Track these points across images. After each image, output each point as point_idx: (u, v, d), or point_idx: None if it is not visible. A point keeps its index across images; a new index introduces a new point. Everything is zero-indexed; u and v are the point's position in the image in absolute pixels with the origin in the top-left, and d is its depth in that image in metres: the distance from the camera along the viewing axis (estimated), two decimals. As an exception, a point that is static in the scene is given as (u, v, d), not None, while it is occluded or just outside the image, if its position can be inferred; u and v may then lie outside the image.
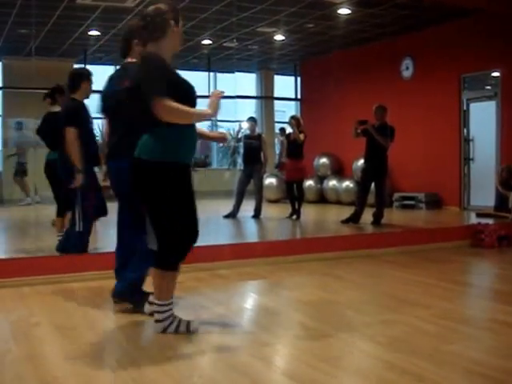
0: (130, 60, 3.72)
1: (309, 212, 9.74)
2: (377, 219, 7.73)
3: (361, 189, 8.20)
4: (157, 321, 3.10)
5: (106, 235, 6.17)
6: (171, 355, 2.79)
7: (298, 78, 14.41)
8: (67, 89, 5.09)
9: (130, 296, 3.61)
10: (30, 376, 2.53)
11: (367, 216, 7.81)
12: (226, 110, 13.92)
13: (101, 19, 9.63)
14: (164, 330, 3.08)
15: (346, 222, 7.80)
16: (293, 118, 8.97)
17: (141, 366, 2.64)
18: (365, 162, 8.05)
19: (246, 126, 9.18)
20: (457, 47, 9.94)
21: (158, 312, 3.09)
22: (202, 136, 3.56)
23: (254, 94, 14.48)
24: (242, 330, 3.31)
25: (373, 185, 7.96)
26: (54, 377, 2.51)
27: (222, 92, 3.20)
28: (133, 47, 3.66)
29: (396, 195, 10.86)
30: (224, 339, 3.11)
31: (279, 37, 11.36)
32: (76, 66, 12.69)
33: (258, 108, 14.48)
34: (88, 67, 12.25)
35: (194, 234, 3.15)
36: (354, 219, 7.77)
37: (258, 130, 9.26)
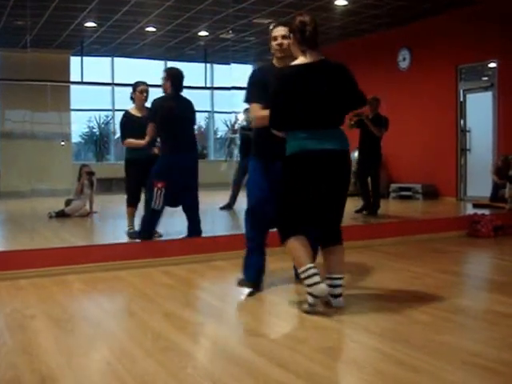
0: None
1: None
2: (373, 209, 7.79)
3: (361, 183, 8.28)
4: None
5: (103, 229, 6.16)
6: (165, 346, 2.79)
7: (295, 70, 14.37)
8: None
9: None
10: (25, 368, 2.52)
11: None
12: (223, 101, 13.91)
13: (97, 10, 9.59)
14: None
15: (359, 211, 7.93)
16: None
17: (135, 358, 2.64)
18: (359, 154, 8.12)
19: (242, 117, 9.16)
20: (453, 38, 9.92)
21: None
22: None
23: (250, 85, 14.43)
24: (237, 320, 3.31)
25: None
26: (49, 368, 2.51)
27: None
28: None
29: (393, 186, 10.87)
30: (219, 330, 3.12)
31: (276, 28, 11.31)
32: (72, 57, 12.67)
33: (255, 100, 14.43)
34: (85, 59, 12.27)
35: None
36: (367, 209, 7.85)
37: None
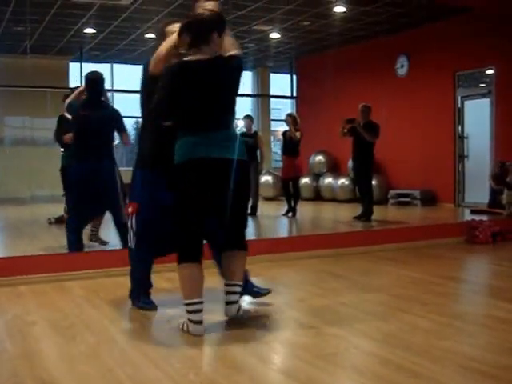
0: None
1: (305, 209, 9.76)
2: (367, 215, 7.87)
3: (360, 190, 8.36)
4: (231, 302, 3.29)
5: (102, 235, 6.16)
6: (167, 353, 2.80)
7: (294, 76, 14.42)
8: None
9: None
10: (26, 375, 2.53)
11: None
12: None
13: (97, 17, 9.62)
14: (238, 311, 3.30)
15: (358, 217, 7.93)
16: (289, 115, 9.01)
17: (136, 364, 2.66)
18: (353, 161, 8.22)
19: (242, 123, 9.19)
20: (451, 45, 9.98)
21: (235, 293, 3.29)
22: None
23: (249, 91, 14.49)
24: (238, 327, 3.32)
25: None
26: (51, 375, 2.52)
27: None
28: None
29: (391, 192, 10.91)
30: (219, 336, 3.13)
31: (275, 35, 11.37)
32: (72, 64, 12.71)
33: (254, 106, 14.50)
34: (84, 65, 12.29)
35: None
36: (366, 215, 7.88)
37: (254, 128, 9.27)
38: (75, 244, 5.12)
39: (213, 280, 4.65)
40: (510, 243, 6.31)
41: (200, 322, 3.06)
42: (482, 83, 10.29)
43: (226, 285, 3.31)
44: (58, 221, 7.90)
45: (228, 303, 3.28)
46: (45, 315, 3.52)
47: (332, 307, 3.70)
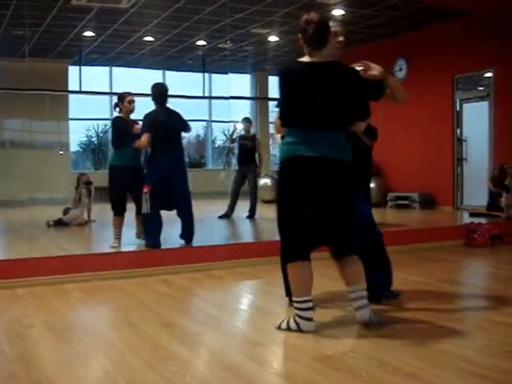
0: None
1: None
2: None
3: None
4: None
5: (101, 238, 6.17)
6: (163, 355, 2.79)
7: (293, 79, 14.42)
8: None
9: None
10: (23, 377, 2.53)
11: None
12: (221, 110, 13.96)
13: (95, 20, 9.63)
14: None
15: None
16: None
17: (134, 367, 2.65)
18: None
19: (240, 126, 9.20)
20: (450, 48, 9.99)
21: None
22: None
23: (248, 94, 14.49)
24: (236, 329, 3.32)
25: None
26: (48, 378, 2.52)
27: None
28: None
29: (390, 195, 10.90)
30: (217, 339, 3.13)
31: (273, 38, 11.38)
32: (71, 67, 12.72)
33: (253, 109, 14.50)
34: (83, 68, 12.31)
35: None
36: None
37: (252, 131, 9.28)
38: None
39: (214, 283, 4.65)
40: (509, 246, 6.31)
41: (311, 319, 3.12)
42: (481, 86, 10.30)
43: (348, 292, 3.27)
44: (57, 223, 7.91)
45: (356, 309, 3.21)
46: (43, 318, 3.52)
47: (330, 310, 3.69)
